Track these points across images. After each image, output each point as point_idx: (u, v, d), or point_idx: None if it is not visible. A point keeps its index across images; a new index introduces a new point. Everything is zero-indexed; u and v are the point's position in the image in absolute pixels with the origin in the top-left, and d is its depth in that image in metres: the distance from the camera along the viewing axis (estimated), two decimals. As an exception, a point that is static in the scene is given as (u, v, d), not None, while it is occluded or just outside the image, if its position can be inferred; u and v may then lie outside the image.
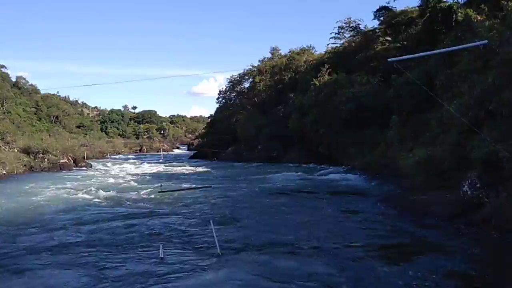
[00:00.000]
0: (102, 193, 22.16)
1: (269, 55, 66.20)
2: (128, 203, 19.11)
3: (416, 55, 16.45)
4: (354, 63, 44.76)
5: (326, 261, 9.81)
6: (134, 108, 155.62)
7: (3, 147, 37.89)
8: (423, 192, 16.74)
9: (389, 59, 11.76)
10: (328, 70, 44.56)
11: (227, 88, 70.33)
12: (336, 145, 38.56)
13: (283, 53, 64.62)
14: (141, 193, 22.61)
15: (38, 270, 9.14)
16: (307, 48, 60.99)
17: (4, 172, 32.40)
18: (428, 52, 18.74)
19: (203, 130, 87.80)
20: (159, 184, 25.35)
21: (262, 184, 25.61)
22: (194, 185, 26.77)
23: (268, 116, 54.44)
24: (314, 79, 44.77)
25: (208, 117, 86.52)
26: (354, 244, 11.13)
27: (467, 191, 14.21)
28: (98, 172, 39.55)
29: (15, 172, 34.29)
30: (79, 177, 33.87)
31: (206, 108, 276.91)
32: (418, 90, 26.13)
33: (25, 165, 37.17)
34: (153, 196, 21.55)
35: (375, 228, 13.11)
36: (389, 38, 42.36)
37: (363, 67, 42.73)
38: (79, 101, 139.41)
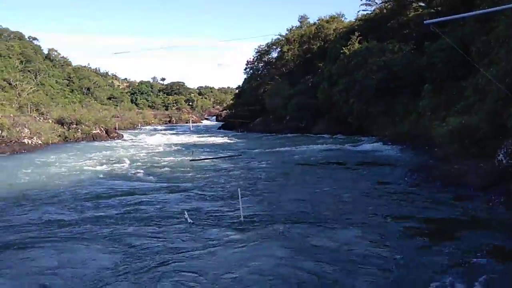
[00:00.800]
0: (133, 163, 22.66)
1: (298, 24, 65.13)
2: (159, 172, 19.47)
3: (453, 16, 15.85)
4: (385, 30, 43.53)
5: (357, 234, 9.42)
6: (163, 79, 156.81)
7: (38, 118, 38.97)
8: (456, 162, 16.37)
9: (425, 21, 11.40)
10: (358, 38, 43.46)
11: (255, 58, 69.69)
12: (366, 115, 37.96)
13: (311, 22, 63.38)
14: (172, 162, 23.01)
15: (65, 243, 8.86)
16: (336, 15, 59.49)
17: (40, 142, 33.43)
18: (466, 14, 18.03)
19: (231, 101, 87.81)
20: (190, 153, 25.73)
21: (291, 155, 25.54)
22: (223, 155, 27.07)
23: (296, 87, 53.85)
24: (343, 48, 43.86)
25: (236, 88, 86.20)
26: (386, 217, 10.71)
27: (502, 160, 13.80)
28: (129, 143, 40.35)
29: (50, 142, 35.35)
30: (111, 147, 34.67)
31: (234, 79, 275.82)
32: (452, 57, 25.31)
33: (59, 136, 38.26)
34: (184, 165, 21.90)
35: (407, 199, 12.75)
36: (423, 4, 40.78)
37: (395, 34, 41.52)
38: (109, 73, 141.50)
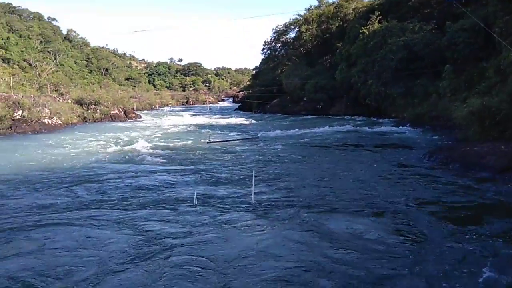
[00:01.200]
0: (150, 144, 22.85)
1: (316, 3, 64.10)
2: (175, 153, 19.59)
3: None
4: (406, 9, 42.65)
5: (377, 220, 8.98)
6: (180, 60, 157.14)
7: (58, 98, 39.47)
8: (476, 144, 16.15)
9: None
10: (378, 18, 42.67)
11: (272, 38, 69.06)
12: (385, 96, 37.56)
13: (330, 1, 62.32)
14: (188, 143, 23.16)
15: (76, 224, 8.69)
16: (356, -6, 58.36)
17: (60, 122, 33.94)
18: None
19: (248, 82, 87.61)
20: (207, 135, 25.86)
21: (307, 137, 25.41)
22: (241, 137, 27.16)
23: (314, 67, 53.38)
24: (363, 28, 43.15)
25: (253, 69, 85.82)
26: (407, 202, 10.26)
27: (524, 142, 13.58)
28: (147, 123, 40.67)
29: (70, 122, 35.86)
30: (128, 127, 35.03)
31: (251, 59, 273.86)
32: (474, 37, 24.77)
33: (78, 116, 38.77)
34: (200, 147, 22.04)
35: (427, 183, 12.42)
36: (445, -18, 39.79)
37: (415, 13, 40.70)
38: (127, 54, 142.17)
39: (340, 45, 48.88)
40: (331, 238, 7.88)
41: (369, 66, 39.00)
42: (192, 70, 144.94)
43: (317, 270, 6.52)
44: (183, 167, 15.58)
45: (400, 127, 29.03)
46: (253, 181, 11.04)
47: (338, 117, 41.13)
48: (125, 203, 10.41)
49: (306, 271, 6.47)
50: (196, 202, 10.12)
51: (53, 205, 10.19)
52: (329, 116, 42.69)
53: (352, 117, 39.54)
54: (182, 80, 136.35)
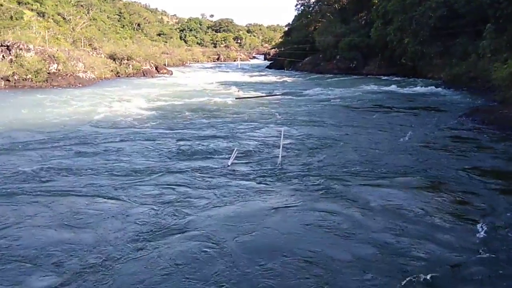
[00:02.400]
0: (181, 99, 23.06)
1: (353, -43, 61.38)
2: (205, 109, 19.74)
3: None
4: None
5: (418, 190, 8.11)
6: (212, 16, 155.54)
7: (91, 53, 39.93)
8: (515, 106, 15.61)
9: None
10: (418, -27, 40.63)
11: (307, -6, 67.07)
12: (422, 55, 36.30)
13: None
14: (218, 99, 23.22)
15: (98, 186, 8.22)
16: None
17: (94, 76, 34.45)
18: None
19: (280, 40, 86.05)
20: (236, 91, 25.86)
21: (340, 97, 24.88)
22: (269, 93, 27.02)
23: (349, 25, 51.78)
24: (401, -17, 41.24)
25: (286, 26, 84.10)
26: (446, 169, 9.54)
27: None
28: (178, 79, 40.88)
29: (103, 76, 36.38)
30: (160, 83, 35.33)
31: (284, 16, 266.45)
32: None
33: (111, 71, 39.25)
34: (229, 103, 22.08)
35: (466, 146, 11.84)
36: None
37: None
38: (159, 9, 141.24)
39: (376, 1, 47.04)
40: (367, 209, 7.17)
41: (406, 24, 37.50)
42: (223, 27, 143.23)
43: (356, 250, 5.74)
44: (211, 125, 15.49)
45: (437, 88, 28.17)
46: (281, 141, 10.53)
47: (371, 76, 40.23)
48: (147, 161, 10.17)
49: (334, 250, 5.74)
50: (230, 164, 9.68)
51: (61, 166, 9.63)
52: (363, 76, 41.77)
53: (387, 77, 38.56)
54: (213, 37, 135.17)
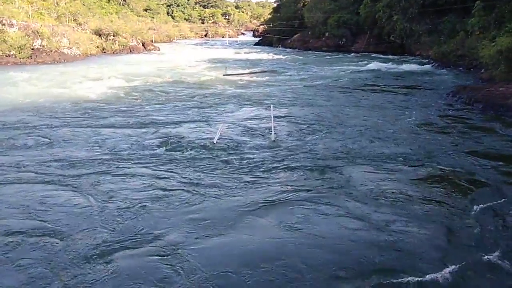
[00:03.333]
0: (168, 77, 22.82)
1: None
2: (192, 86, 19.61)
3: None
4: None
5: (403, 175, 7.87)
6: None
7: (76, 29, 39.12)
8: (501, 84, 15.70)
9: None
10: (408, -52, 40.20)
11: (296, -31, 66.07)
12: (410, 33, 36.23)
13: None
14: (206, 76, 23.06)
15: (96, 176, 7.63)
16: None
17: (79, 52, 33.87)
18: None
19: (268, 16, 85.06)
20: (224, 68, 25.66)
21: (329, 75, 24.82)
22: (257, 69, 26.88)
23: (338, 1, 51.30)
24: (391, -41, 40.80)
25: (274, 2, 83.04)
26: (437, 149, 9.57)
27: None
28: (165, 56, 40.37)
29: (89, 53, 35.76)
30: (147, 59, 34.93)
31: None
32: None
33: (97, 47, 38.59)
34: (217, 79, 21.95)
35: (452, 124, 11.92)
36: None
37: None
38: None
39: (366, -23, 46.56)
40: (358, 189, 7.07)
41: (394, 1, 37.30)
42: (211, 2, 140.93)
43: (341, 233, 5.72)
44: (197, 102, 15.49)
45: (425, 66, 28.23)
46: (272, 117, 10.62)
47: (360, 54, 40.09)
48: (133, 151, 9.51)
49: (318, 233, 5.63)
50: (215, 141, 9.62)
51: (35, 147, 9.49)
52: (352, 53, 41.62)
53: (375, 55, 38.46)
54: (201, 12, 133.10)
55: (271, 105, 11.69)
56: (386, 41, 40.12)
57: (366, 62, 31.45)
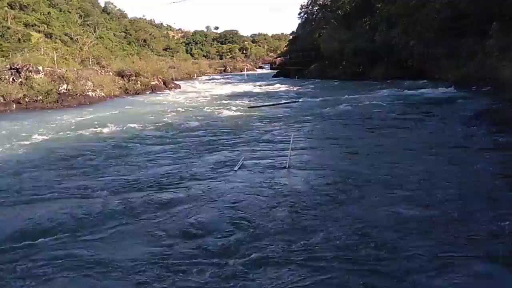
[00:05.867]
0: (191, 112, 23.27)
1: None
2: (218, 119, 19.95)
3: None
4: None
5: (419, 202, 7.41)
6: (216, 28, 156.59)
7: (100, 71, 40.41)
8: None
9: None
10: (420, -25, 40.69)
11: (309, 2, 67.42)
12: (428, 57, 36.22)
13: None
14: (229, 110, 23.40)
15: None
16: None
17: (103, 94, 34.86)
18: None
19: (285, 48, 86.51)
20: (247, 101, 26.11)
21: (348, 102, 24.68)
22: (281, 101, 27.26)
23: (353, 30, 51.91)
24: (404, -14, 41.31)
25: (290, 34, 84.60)
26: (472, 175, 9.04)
27: None
28: (187, 93, 41.17)
29: (112, 94, 36.73)
30: (169, 97, 35.67)
31: (288, 25, 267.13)
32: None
33: (120, 88, 39.60)
34: (242, 113, 22.29)
35: (477, 150, 11.36)
36: None
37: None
38: (164, 24, 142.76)
39: (379, 5, 47.17)
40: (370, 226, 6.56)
41: (410, 26, 37.56)
42: (228, 38, 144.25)
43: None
44: (224, 132, 15.91)
45: (445, 89, 28.01)
46: (290, 146, 10.99)
47: (378, 81, 40.11)
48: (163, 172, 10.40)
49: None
50: (237, 169, 10.19)
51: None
52: (370, 80, 41.70)
53: (394, 80, 38.38)
54: (219, 48, 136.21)
55: (292, 135, 12.07)
56: (404, 66, 40.15)
57: (384, 88, 31.39)
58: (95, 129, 18.25)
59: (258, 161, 11.05)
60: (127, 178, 10.13)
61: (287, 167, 10.11)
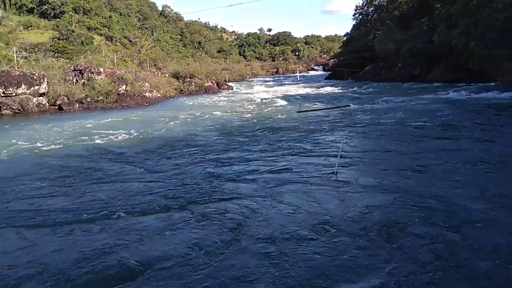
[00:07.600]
0: (243, 114, 23.53)
1: (413, -38, 60.00)
2: (267, 122, 20.02)
3: None
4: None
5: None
6: (269, 30, 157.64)
7: (156, 73, 41.81)
8: None
9: None
10: (482, -27, 38.97)
11: (364, 3, 66.25)
12: (489, 59, 34.61)
13: (428, -42, 57.92)
14: (279, 113, 23.47)
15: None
16: (457, -51, 53.57)
17: (159, 95, 36.06)
18: None
19: (338, 50, 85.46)
20: (297, 105, 26.00)
21: (404, 107, 23.87)
22: (331, 105, 26.88)
23: (410, 31, 50.45)
24: (465, -15, 39.72)
25: (344, 36, 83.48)
26: None
27: None
28: (240, 94, 41.69)
29: (168, 95, 37.92)
30: (222, 99, 36.24)
31: (342, 26, 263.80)
32: None
33: (175, 89, 40.85)
34: (291, 116, 22.23)
35: None
36: None
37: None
38: (218, 27, 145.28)
39: (438, 5, 45.57)
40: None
41: (471, 27, 36.00)
42: (281, 40, 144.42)
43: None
44: (272, 138, 15.65)
45: (508, 92, 26.67)
46: (339, 155, 10.59)
47: (436, 83, 38.81)
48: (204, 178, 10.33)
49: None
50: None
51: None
52: (427, 83, 40.39)
53: (452, 84, 36.95)
54: (272, 50, 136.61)
55: (342, 141, 11.95)
56: (464, 69, 38.58)
57: (444, 92, 30.23)
58: (165, 125, 18.95)
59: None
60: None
61: (335, 172, 9.65)
